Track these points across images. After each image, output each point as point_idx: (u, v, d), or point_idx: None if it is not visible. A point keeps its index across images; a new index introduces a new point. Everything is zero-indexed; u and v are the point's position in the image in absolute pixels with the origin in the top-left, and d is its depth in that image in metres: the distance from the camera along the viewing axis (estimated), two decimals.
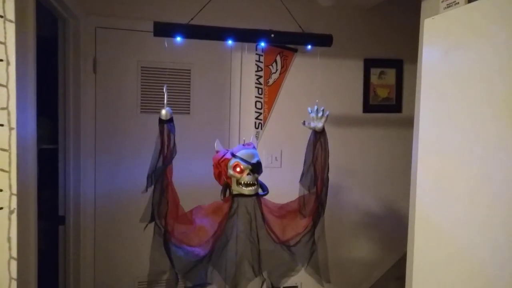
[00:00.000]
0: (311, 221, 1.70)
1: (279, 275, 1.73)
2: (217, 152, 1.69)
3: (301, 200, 1.72)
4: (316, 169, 1.67)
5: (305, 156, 1.71)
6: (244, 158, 1.60)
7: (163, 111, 1.51)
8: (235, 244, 1.68)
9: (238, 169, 1.59)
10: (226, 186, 1.68)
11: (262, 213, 1.66)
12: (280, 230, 1.69)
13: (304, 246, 1.70)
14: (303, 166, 1.72)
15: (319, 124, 1.65)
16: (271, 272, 1.72)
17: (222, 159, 1.63)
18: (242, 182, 1.60)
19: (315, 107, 1.67)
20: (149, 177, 1.56)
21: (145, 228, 1.57)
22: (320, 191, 1.68)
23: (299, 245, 1.70)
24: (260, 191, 1.68)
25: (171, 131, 1.54)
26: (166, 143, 1.52)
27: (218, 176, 1.68)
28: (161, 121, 1.52)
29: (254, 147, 1.72)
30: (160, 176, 1.54)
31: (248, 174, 1.59)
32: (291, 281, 2.69)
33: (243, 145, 1.72)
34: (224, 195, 1.69)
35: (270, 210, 1.69)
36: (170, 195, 1.58)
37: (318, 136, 1.66)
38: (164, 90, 1.53)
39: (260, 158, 1.66)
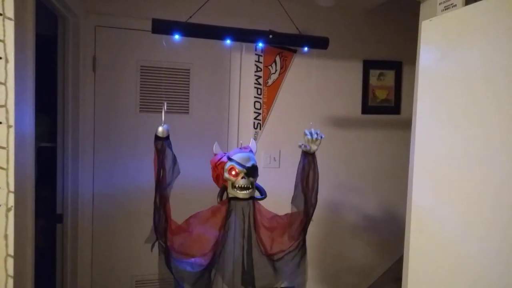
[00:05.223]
0: (295, 241, 1.71)
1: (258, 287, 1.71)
2: (215, 155, 1.69)
3: (288, 217, 1.73)
4: (305, 191, 1.68)
5: (296, 178, 1.72)
6: (239, 161, 1.60)
7: (160, 128, 1.48)
8: (234, 247, 1.68)
9: (233, 172, 1.60)
10: (224, 189, 1.68)
11: (255, 220, 1.66)
12: (268, 242, 1.69)
13: (286, 264, 1.71)
14: (295, 188, 1.72)
15: (314, 147, 1.67)
16: (249, 283, 1.70)
17: (219, 162, 1.64)
18: (237, 186, 1.60)
19: (311, 130, 1.68)
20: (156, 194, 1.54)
21: (152, 248, 1.57)
22: (307, 212, 1.69)
23: (282, 261, 1.70)
24: (257, 194, 1.68)
25: (168, 147, 1.51)
26: (162, 162, 1.50)
27: (216, 179, 1.69)
28: (158, 139, 1.49)
29: (251, 151, 1.72)
30: (160, 196, 1.53)
31: (242, 178, 1.59)
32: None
33: (240, 148, 1.72)
34: (221, 198, 1.69)
35: (262, 218, 1.68)
36: (168, 212, 1.57)
37: (309, 158, 1.68)
38: (163, 108, 1.50)
39: (256, 162, 1.66)
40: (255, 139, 2.54)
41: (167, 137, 1.51)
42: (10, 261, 1.26)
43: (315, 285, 2.82)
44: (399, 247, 2.52)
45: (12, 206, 1.26)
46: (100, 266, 2.42)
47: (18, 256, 1.29)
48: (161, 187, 1.52)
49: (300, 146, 1.68)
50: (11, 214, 1.26)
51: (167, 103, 1.53)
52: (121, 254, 2.45)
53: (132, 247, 2.44)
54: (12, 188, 1.26)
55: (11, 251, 1.26)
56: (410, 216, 1.53)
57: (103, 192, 2.40)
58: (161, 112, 1.50)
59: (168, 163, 1.52)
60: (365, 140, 2.84)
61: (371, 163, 2.86)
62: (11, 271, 1.26)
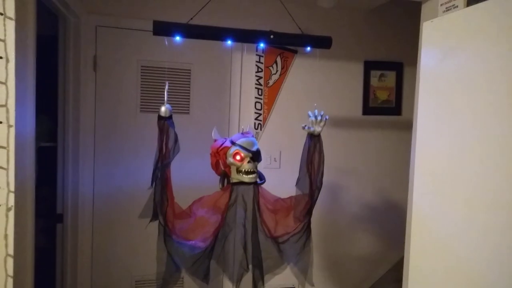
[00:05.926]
0: (300, 223, 1.71)
1: (264, 269, 1.71)
2: (215, 140, 1.67)
3: (293, 200, 1.72)
4: (311, 173, 1.67)
5: (301, 160, 1.71)
6: (244, 146, 1.60)
7: (163, 108, 1.52)
8: (235, 234, 1.68)
9: (238, 157, 1.59)
10: (224, 175, 1.67)
11: (259, 203, 1.66)
12: (272, 225, 1.69)
13: (291, 246, 1.71)
14: (299, 171, 1.72)
15: (318, 128, 1.66)
16: (256, 265, 1.71)
17: (221, 147, 1.62)
18: (243, 170, 1.60)
19: (315, 111, 1.67)
20: (154, 173, 1.56)
21: (146, 226, 1.58)
22: (312, 195, 1.69)
23: (287, 243, 1.70)
24: (257, 179, 1.68)
25: (171, 127, 1.53)
26: (165, 141, 1.52)
27: (215, 165, 1.67)
28: (160, 118, 1.52)
29: (252, 136, 1.71)
30: (161, 174, 1.54)
31: (248, 162, 1.59)
32: (288, 282, 2.71)
33: (242, 133, 1.71)
34: (223, 184, 1.68)
35: (266, 202, 1.68)
36: (169, 193, 1.58)
37: (315, 140, 1.67)
38: (166, 88, 1.53)
39: (259, 146, 1.66)
40: (256, 136, 2.54)
41: (170, 117, 1.52)
42: (10, 261, 1.26)
43: (317, 272, 2.81)
44: (399, 248, 2.52)
45: (12, 206, 1.25)
46: (100, 266, 2.42)
47: (18, 256, 1.29)
48: (162, 165, 1.54)
49: (303, 128, 1.67)
50: (11, 214, 1.25)
51: (167, 89, 1.55)
52: (121, 254, 2.45)
53: (132, 247, 2.43)
54: (12, 188, 1.25)
55: (11, 251, 1.26)
56: (411, 217, 1.53)
57: (104, 192, 2.40)
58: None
59: (170, 142, 1.53)
60: (366, 141, 2.84)
61: (372, 164, 2.86)
62: (10, 271, 1.26)
